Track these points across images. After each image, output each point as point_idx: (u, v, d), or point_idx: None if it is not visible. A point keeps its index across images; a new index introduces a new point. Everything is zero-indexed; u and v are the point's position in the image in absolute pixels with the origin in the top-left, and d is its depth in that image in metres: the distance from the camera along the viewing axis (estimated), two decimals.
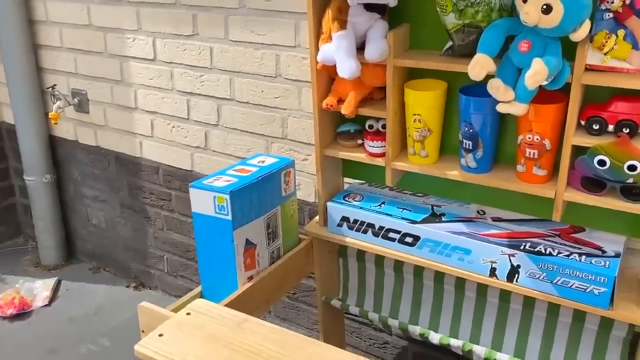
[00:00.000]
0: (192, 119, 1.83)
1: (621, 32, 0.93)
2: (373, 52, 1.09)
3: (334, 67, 1.17)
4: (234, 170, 1.26)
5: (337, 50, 1.12)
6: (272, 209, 1.26)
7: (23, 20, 2.09)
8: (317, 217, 1.40)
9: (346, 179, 1.42)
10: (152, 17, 1.78)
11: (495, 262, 1.14)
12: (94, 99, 2.08)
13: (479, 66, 0.95)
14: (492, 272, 1.15)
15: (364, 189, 1.38)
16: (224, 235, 1.17)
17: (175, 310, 1.11)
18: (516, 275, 1.12)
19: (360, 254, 1.46)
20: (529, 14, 0.89)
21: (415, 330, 1.34)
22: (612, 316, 1.06)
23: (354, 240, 1.31)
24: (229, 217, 1.15)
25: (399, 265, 1.40)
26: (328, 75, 1.24)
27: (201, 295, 1.25)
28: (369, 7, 1.07)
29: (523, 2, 0.91)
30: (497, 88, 0.96)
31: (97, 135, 2.14)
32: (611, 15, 0.93)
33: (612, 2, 0.92)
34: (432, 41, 1.15)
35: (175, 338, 0.98)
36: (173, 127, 1.89)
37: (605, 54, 0.95)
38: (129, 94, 1.96)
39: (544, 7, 0.88)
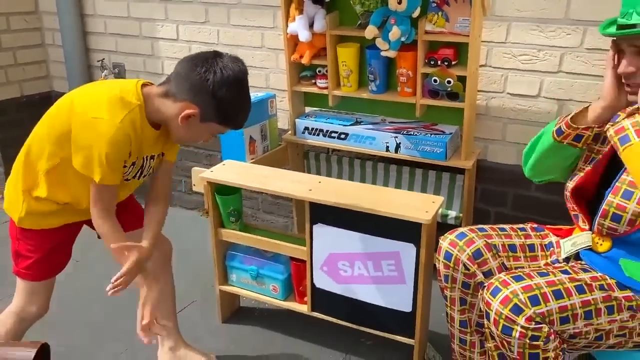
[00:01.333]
0: None
1: (440, 13, 1.83)
2: (319, 26, 1.97)
3: (297, 36, 2.05)
4: None
5: (298, 26, 1.98)
6: (263, 120, 2.13)
7: (77, 14, 2.90)
8: (289, 131, 2.27)
9: (306, 107, 2.29)
10: (176, 10, 2.62)
11: (388, 142, 2.03)
12: (130, 69, 2.90)
13: (370, 32, 1.83)
14: (387, 148, 2.04)
15: (317, 112, 2.26)
16: (237, 132, 2.03)
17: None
18: (399, 148, 2.01)
19: (317, 156, 2.34)
20: (391, 3, 1.78)
21: None
22: (448, 164, 1.95)
23: (312, 140, 2.18)
24: None
25: (340, 159, 2.29)
26: (293, 42, 2.11)
27: None
28: (315, 1, 1.95)
29: None
30: (380, 43, 1.85)
31: None
32: (435, 4, 1.82)
33: None
34: (349, 20, 2.03)
35: (222, 173, 1.85)
36: None
37: (434, 24, 1.84)
38: (158, 64, 2.79)
39: (398, 1, 1.77)
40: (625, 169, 1.28)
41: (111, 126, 1.30)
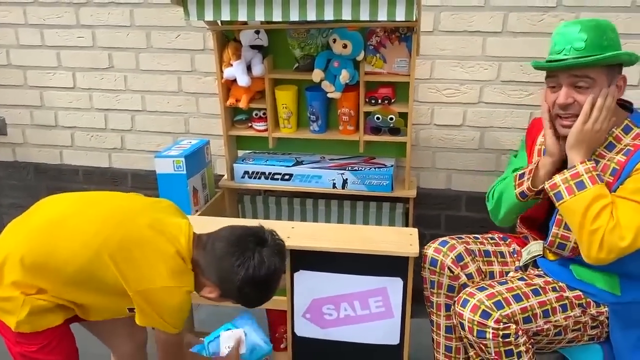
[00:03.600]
0: (109, 128, 2.44)
1: (378, 55, 1.90)
2: (258, 71, 1.92)
3: (232, 81, 1.97)
4: (175, 147, 1.97)
5: (237, 71, 1.91)
6: (202, 169, 2.01)
7: None
8: (224, 177, 2.16)
9: (239, 151, 2.20)
10: (71, 56, 2.35)
11: (335, 180, 2.04)
12: (13, 122, 2.52)
13: (316, 75, 1.84)
14: (334, 185, 2.05)
15: (252, 155, 2.18)
16: (182, 184, 1.88)
17: None
18: (346, 184, 2.04)
19: (252, 199, 2.26)
20: (336, 48, 1.81)
21: None
22: (393, 195, 2.03)
23: (253, 184, 2.11)
24: (184, 172, 1.87)
25: (278, 200, 2.24)
26: (227, 87, 2.03)
27: None
28: (252, 47, 1.90)
29: (333, 43, 1.82)
30: (326, 85, 1.86)
31: (15, 152, 2.57)
32: (372, 47, 1.90)
33: (372, 41, 1.89)
34: (285, 63, 2.01)
35: None
36: (92, 136, 2.46)
37: (372, 65, 1.91)
38: (49, 116, 2.46)
39: (344, 45, 1.80)
40: None
41: (183, 294, 1.28)
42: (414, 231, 1.67)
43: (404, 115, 1.93)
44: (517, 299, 1.40)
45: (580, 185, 1.33)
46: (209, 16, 1.67)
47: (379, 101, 1.94)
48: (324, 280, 1.62)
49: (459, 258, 1.56)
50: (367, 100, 1.94)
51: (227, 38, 1.98)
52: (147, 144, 2.42)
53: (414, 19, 1.59)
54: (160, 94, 2.33)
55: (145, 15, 2.22)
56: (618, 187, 1.35)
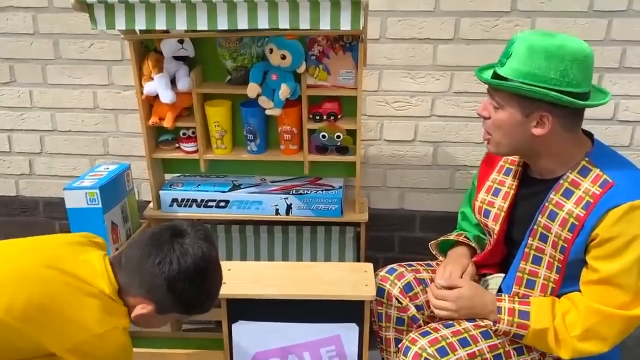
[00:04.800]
0: (14, 151, 2.09)
1: (321, 66, 1.68)
2: (184, 85, 1.66)
3: (155, 97, 1.70)
4: (89, 176, 1.67)
5: (159, 86, 1.64)
6: (122, 199, 1.72)
7: None
8: (150, 205, 1.88)
9: (165, 174, 1.93)
10: None
11: (277, 205, 1.81)
12: None
13: (252, 90, 1.60)
14: (277, 212, 1.82)
15: (182, 179, 1.91)
16: (97, 219, 1.59)
17: None
18: (290, 210, 1.81)
19: None
20: (274, 59, 1.57)
21: None
22: (343, 220, 1.82)
23: (184, 213, 1.84)
24: (100, 206, 1.58)
25: (213, 228, 1.98)
26: (148, 103, 1.75)
27: None
28: (176, 58, 1.63)
29: (270, 53, 1.59)
30: (264, 101, 1.62)
31: None
32: (314, 57, 1.68)
33: (314, 51, 1.67)
34: (215, 75, 1.76)
35: None
36: None
37: (315, 78, 1.69)
38: None
39: (282, 55, 1.57)
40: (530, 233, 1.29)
41: (120, 333, 1.12)
42: (369, 267, 1.47)
43: (352, 133, 1.72)
44: (464, 343, 1.26)
45: (524, 315, 1.26)
46: (120, 25, 1.40)
47: (324, 117, 1.73)
48: (268, 331, 1.39)
49: (408, 288, 1.43)
50: (310, 116, 1.72)
51: (146, 48, 1.70)
52: (61, 168, 2.10)
53: (360, 27, 1.38)
54: (73, 111, 2.01)
55: (52, 22, 1.90)
56: (578, 244, 1.20)
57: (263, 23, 1.42)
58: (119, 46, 1.91)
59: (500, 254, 1.45)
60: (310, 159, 1.77)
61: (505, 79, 1.20)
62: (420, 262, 1.53)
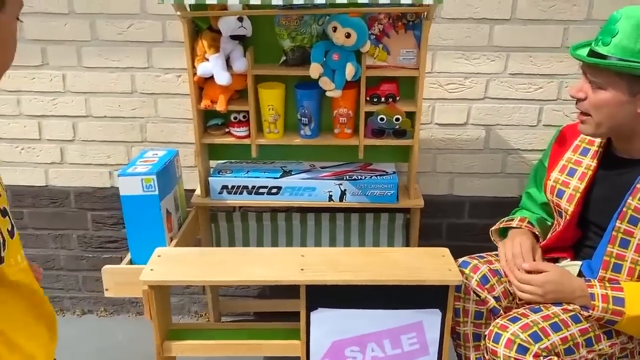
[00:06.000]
0: (44, 138, 1.98)
1: (381, 46, 1.63)
2: (240, 66, 1.58)
3: (205, 79, 1.62)
4: (140, 162, 1.58)
5: (215, 67, 1.57)
6: (174, 186, 1.64)
7: None
8: (197, 192, 1.80)
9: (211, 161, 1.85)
10: None
11: (331, 191, 1.74)
12: None
13: (315, 70, 1.54)
14: (330, 198, 1.75)
15: (229, 165, 1.83)
16: (154, 207, 1.51)
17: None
18: (344, 196, 1.75)
19: (228, 217, 1.91)
20: (338, 38, 1.51)
21: None
22: (399, 205, 1.77)
23: (234, 201, 1.76)
24: (157, 193, 1.50)
25: (259, 216, 1.91)
26: (198, 86, 1.67)
27: (131, 262, 1.55)
28: (234, 37, 1.55)
29: (333, 31, 1.52)
30: (326, 82, 1.56)
31: None
32: (374, 36, 1.62)
33: (375, 30, 1.61)
34: (268, 57, 1.68)
35: (165, 268, 1.33)
36: (22, 149, 2.00)
37: (374, 58, 1.63)
38: None
39: (346, 34, 1.51)
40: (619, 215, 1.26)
41: None
42: (446, 252, 1.42)
43: (409, 115, 1.67)
44: (556, 328, 1.24)
45: (618, 302, 1.22)
46: None
47: (382, 99, 1.67)
48: (348, 318, 1.34)
49: (484, 280, 1.39)
50: (367, 98, 1.66)
51: (197, 28, 1.62)
52: (94, 156, 2.00)
53: (426, 2, 1.32)
54: (110, 96, 1.92)
55: (88, 1, 1.80)
56: None
57: None
58: (159, 27, 1.82)
59: (572, 237, 1.42)
60: (366, 142, 1.71)
61: (605, 57, 1.16)
62: (489, 253, 1.49)
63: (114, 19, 1.82)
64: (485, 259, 1.45)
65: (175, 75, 1.87)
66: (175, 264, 1.36)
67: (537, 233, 1.46)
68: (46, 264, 2.15)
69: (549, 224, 1.51)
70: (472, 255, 1.47)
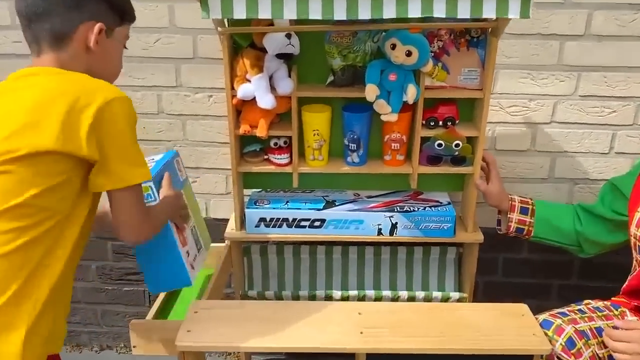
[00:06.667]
0: None
1: (440, 64, 1.46)
2: (285, 87, 1.42)
3: (242, 101, 1.46)
4: None
5: (257, 89, 1.41)
6: (179, 189, 1.41)
7: None
8: (230, 223, 1.64)
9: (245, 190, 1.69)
10: None
11: (380, 225, 1.58)
12: None
13: (372, 92, 1.38)
14: (379, 232, 1.59)
15: (266, 195, 1.67)
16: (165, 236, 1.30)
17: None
18: (395, 230, 1.58)
19: (263, 249, 1.75)
20: (398, 56, 1.35)
21: (322, 293, 1.70)
22: (456, 240, 1.60)
23: (272, 234, 1.60)
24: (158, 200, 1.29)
25: (296, 250, 1.74)
26: (236, 109, 1.51)
27: (149, 290, 1.37)
28: (280, 56, 1.39)
29: (391, 49, 1.36)
30: (382, 105, 1.40)
31: None
32: (433, 54, 1.45)
33: (434, 46, 1.45)
34: (311, 77, 1.52)
35: (204, 328, 1.16)
36: None
37: (433, 78, 1.47)
38: None
39: (407, 52, 1.35)
40: None
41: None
42: (524, 309, 1.25)
43: (470, 141, 1.51)
44: None
45: None
46: (240, 12, 1.15)
47: (440, 123, 1.51)
48: None
49: (570, 344, 1.22)
50: (423, 122, 1.50)
51: (236, 45, 1.46)
52: None
53: (530, 16, 1.16)
54: None
55: None
56: None
57: (390, 11, 1.19)
58: (190, 42, 1.66)
59: None
60: (420, 170, 1.55)
61: None
62: (571, 308, 1.33)
63: (139, 33, 1.66)
64: (569, 317, 1.28)
65: (206, 95, 1.71)
66: (214, 323, 1.19)
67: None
68: None
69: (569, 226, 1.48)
70: (554, 313, 1.30)
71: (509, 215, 1.52)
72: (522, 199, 1.53)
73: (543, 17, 1.55)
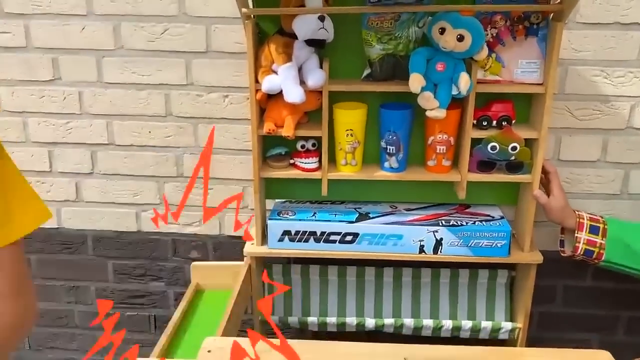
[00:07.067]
0: (56, 171, 1.70)
1: (493, 55, 1.34)
2: (316, 80, 1.30)
3: (267, 96, 1.34)
4: None
5: (285, 80, 1.29)
6: None
7: None
8: (251, 240, 1.50)
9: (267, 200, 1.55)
10: None
11: (423, 240, 1.44)
12: None
13: (417, 82, 1.25)
14: (421, 249, 1.44)
15: (290, 206, 1.54)
16: None
17: None
18: (440, 247, 1.44)
19: (285, 269, 1.60)
20: (448, 41, 1.23)
21: (352, 321, 1.54)
22: (509, 260, 1.45)
23: (298, 249, 1.45)
24: None
25: (323, 270, 1.59)
26: (259, 106, 1.39)
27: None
28: (311, 43, 1.27)
29: (440, 34, 1.24)
30: (428, 99, 1.27)
31: None
32: (486, 43, 1.33)
33: (486, 35, 1.32)
34: (344, 70, 1.40)
35: None
36: (30, 183, 1.71)
37: (485, 70, 1.35)
38: None
39: (459, 36, 1.22)
40: None
41: None
42: (607, 357, 1.08)
43: (529, 144, 1.37)
44: None
45: None
46: None
47: (493, 123, 1.37)
48: None
49: None
50: (474, 122, 1.37)
51: (261, 33, 1.35)
52: (118, 194, 1.71)
53: None
54: (138, 119, 1.64)
55: None
56: None
57: None
58: (202, 32, 1.55)
59: None
60: (471, 178, 1.41)
61: None
62: None
63: (144, 22, 1.55)
64: None
65: (221, 95, 1.59)
66: None
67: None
68: (58, 321, 1.86)
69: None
70: None
71: (576, 235, 1.36)
72: (592, 216, 1.39)
73: (622, 2, 1.42)
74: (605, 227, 1.37)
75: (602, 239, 1.36)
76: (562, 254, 1.43)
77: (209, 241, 1.71)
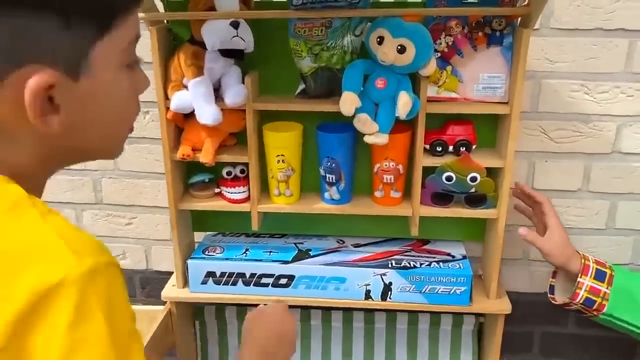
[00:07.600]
0: None
1: (449, 68, 1.17)
2: (235, 97, 1.14)
3: (183, 116, 1.19)
4: None
5: (195, 98, 1.13)
6: None
7: None
8: (171, 281, 1.35)
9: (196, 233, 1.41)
10: None
11: (369, 285, 1.26)
12: None
13: (349, 102, 1.08)
14: (367, 295, 1.27)
15: (221, 240, 1.38)
16: None
17: None
18: (389, 293, 1.27)
19: (219, 313, 1.45)
20: (387, 53, 1.06)
21: None
22: (472, 310, 1.27)
23: (224, 294, 1.30)
24: None
25: None
26: (175, 125, 1.24)
27: None
28: (225, 53, 1.12)
29: (378, 44, 1.07)
30: (365, 122, 1.10)
31: None
32: (439, 54, 1.16)
33: (440, 44, 1.16)
34: (277, 85, 1.25)
35: None
36: None
37: (439, 87, 1.18)
38: None
39: (399, 47, 1.06)
40: None
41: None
42: None
43: (492, 173, 1.20)
44: None
45: None
46: None
47: (450, 148, 1.21)
48: None
49: None
50: (427, 147, 1.20)
51: (175, 41, 1.20)
52: None
53: None
54: None
55: None
56: None
57: None
58: None
59: None
60: (424, 213, 1.24)
61: None
62: None
63: None
64: None
65: (142, 110, 1.44)
66: None
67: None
68: None
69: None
70: None
71: (578, 280, 1.14)
72: (598, 259, 1.18)
73: (606, 4, 1.23)
74: (612, 274, 1.17)
75: (607, 288, 1.14)
76: (553, 302, 1.23)
77: (135, 276, 1.57)
